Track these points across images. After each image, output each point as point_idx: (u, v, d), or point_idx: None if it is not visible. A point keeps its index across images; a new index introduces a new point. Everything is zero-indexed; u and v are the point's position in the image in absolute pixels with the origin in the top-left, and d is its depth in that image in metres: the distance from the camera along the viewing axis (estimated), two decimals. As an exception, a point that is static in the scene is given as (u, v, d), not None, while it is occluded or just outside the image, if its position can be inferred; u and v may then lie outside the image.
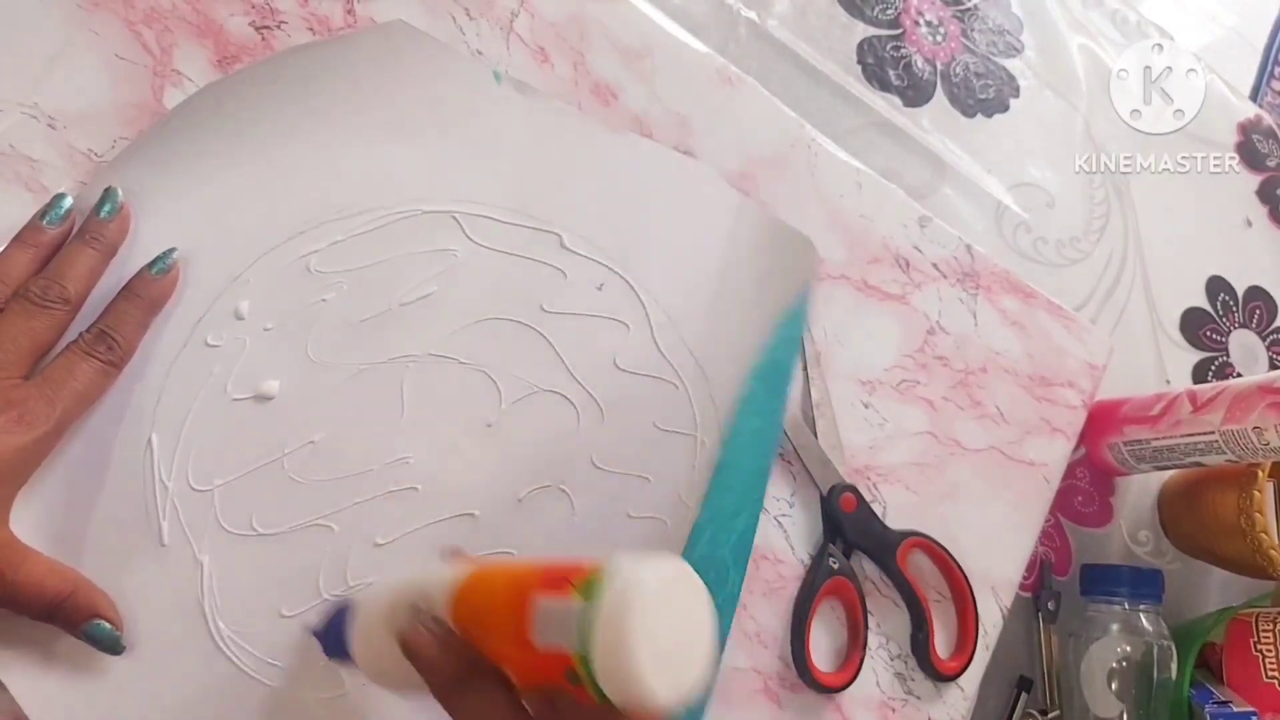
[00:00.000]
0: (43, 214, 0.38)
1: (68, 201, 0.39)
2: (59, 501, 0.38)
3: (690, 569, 0.32)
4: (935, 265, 0.55)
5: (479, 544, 0.43)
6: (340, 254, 0.43)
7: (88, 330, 0.38)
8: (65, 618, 0.36)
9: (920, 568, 0.52)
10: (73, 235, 0.39)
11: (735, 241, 0.50)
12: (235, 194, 0.42)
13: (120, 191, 0.39)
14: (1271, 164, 0.74)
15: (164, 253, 0.40)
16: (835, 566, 0.49)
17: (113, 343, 0.38)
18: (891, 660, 0.50)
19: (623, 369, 0.46)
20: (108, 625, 0.37)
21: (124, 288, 0.39)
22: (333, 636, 0.38)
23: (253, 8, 0.43)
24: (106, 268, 0.39)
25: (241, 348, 0.41)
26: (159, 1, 0.42)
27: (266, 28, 0.43)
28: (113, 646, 0.37)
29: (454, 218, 0.45)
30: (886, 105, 0.63)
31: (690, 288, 0.48)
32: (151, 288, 0.39)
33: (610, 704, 0.30)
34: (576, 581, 0.30)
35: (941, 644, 0.51)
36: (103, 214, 0.39)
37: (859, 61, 0.63)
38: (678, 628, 0.31)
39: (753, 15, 0.60)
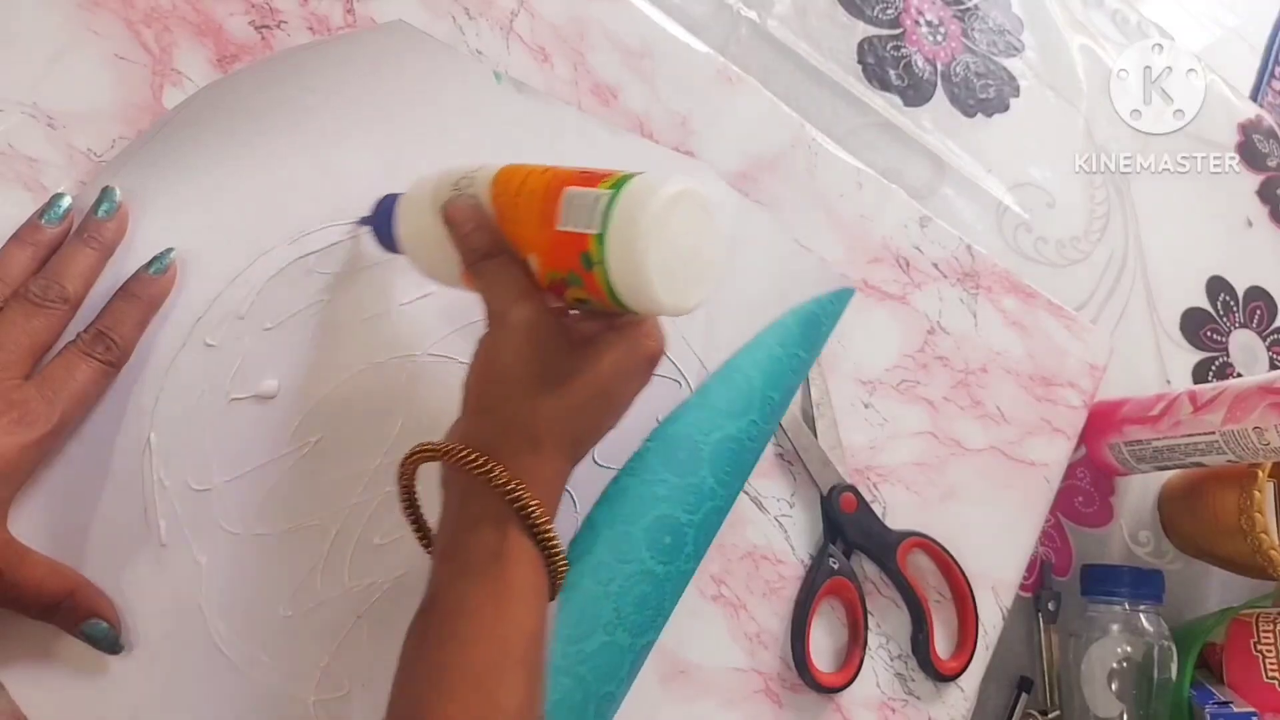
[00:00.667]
0: (41, 213, 0.38)
1: (66, 201, 0.38)
2: (58, 501, 0.38)
3: (709, 195, 0.33)
4: (936, 265, 0.55)
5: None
6: (340, 254, 0.43)
7: (86, 330, 0.38)
8: (64, 617, 0.36)
9: (920, 568, 0.52)
10: (71, 235, 0.39)
11: (736, 242, 0.50)
12: (234, 194, 0.42)
13: (118, 191, 0.39)
14: (1272, 164, 0.74)
15: (161, 252, 0.40)
16: (835, 567, 0.49)
17: (111, 343, 0.38)
18: (891, 660, 0.50)
19: None
20: (106, 625, 0.37)
21: (121, 288, 0.39)
22: (381, 222, 0.40)
23: (253, 7, 0.43)
24: (104, 267, 0.39)
25: (241, 347, 0.41)
26: (159, 1, 0.42)
27: (266, 27, 0.43)
28: (111, 646, 0.37)
29: None
30: (887, 105, 0.63)
31: None
32: (149, 287, 0.39)
33: (612, 290, 0.32)
34: (605, 177, 0.33)
35: (941, 644, 0.51)
36: (100, 213, 0.39)
37: (859, 61, 0.63)
38: (688, 237, 0.33)
39: (753, 15, 0.60)
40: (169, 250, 0.40)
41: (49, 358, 0.37)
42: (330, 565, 0.41)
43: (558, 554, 0.34)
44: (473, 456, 0.33)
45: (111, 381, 0.38)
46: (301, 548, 0.41)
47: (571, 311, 0.36)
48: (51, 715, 0.37)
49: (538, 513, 0.33)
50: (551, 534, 0.34)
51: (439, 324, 0.44)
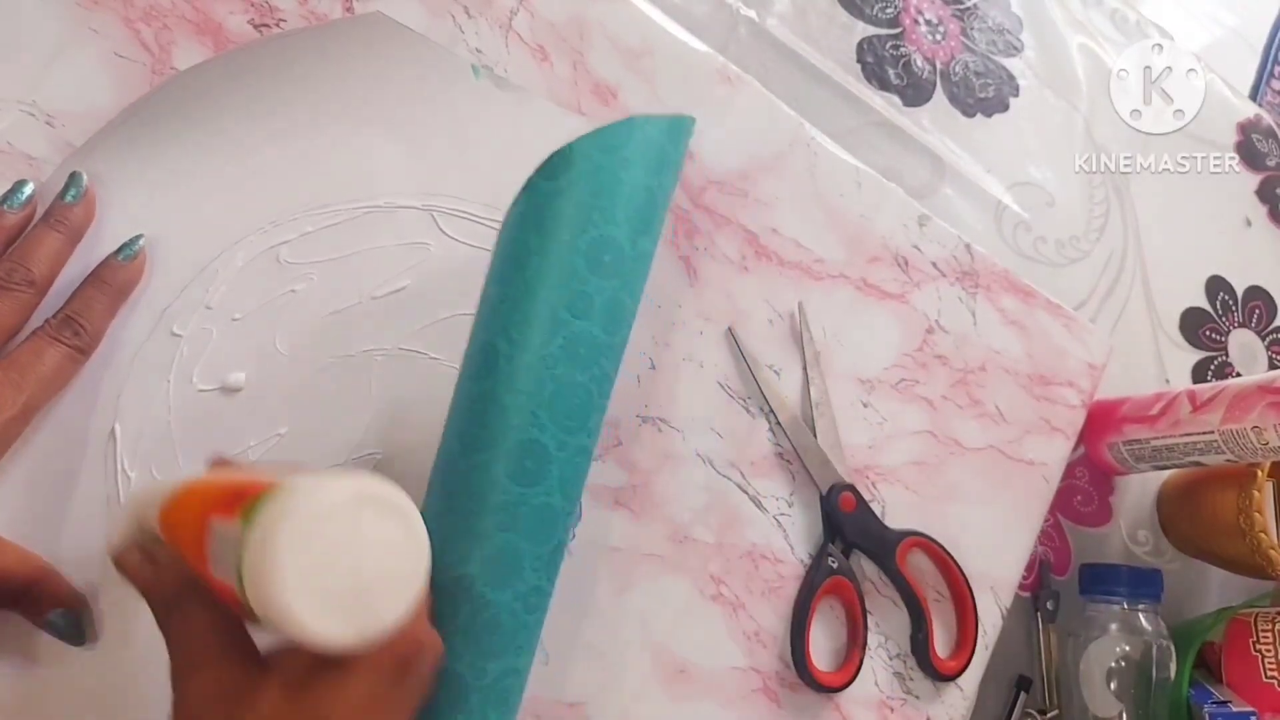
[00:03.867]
0: (3, 199, 0.38)
1: (29, 187, 0.38)
2: (22, 489, 0.37)
3: (391, 490, 0.27)
4: (935, 264, 0.55)
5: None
6: (311, 245, 0.42)
7: (54, 316, 0.38)
8: (30, 606, 0.36)
9: (919, 567, 0.52)
10: (38, 219, 0.39)
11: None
12: (206, 183, 0.41)
13: (85, 176, 0.39)
14: (1271, 164, 0.74)
15: (131, 239, 0.39)
16: (834, 566, 0.49)
17: (79, 328, 0.37)
18: (891, 660, 0.50)
19: None
20: (72, 615, 0.37)
21: (90, 274, 0.39)
22: None
23: (251, 6, 0.43)
24: (72, 252, 0.39)
25: (209, 338, 0.41)
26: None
27: (265, 25, 0.43)
28: (76, 637, 0.37)
29: (428, 211, 0.44)
30: (886, 105, 0.63)
31: None
32: (118, 274, 0.39)
33: (289, 642, 0.26)
34: (246, 501, 0.26)
35: (941, 644, 0.51)
36: (68, 198, 0.39)
37: (859, 61, 0.63)
38: (359, 557, 0.26)
39: (753, 14, 0.60)
40: (138, 237, 0.39)
41: (16, 342, 0.37)
42: None
43: None
44: None
45: (79, 368, 0.38)
46: None
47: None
48: (9, 706, 0.37)
49: None
50: None
51: (409, 318, 0.44)
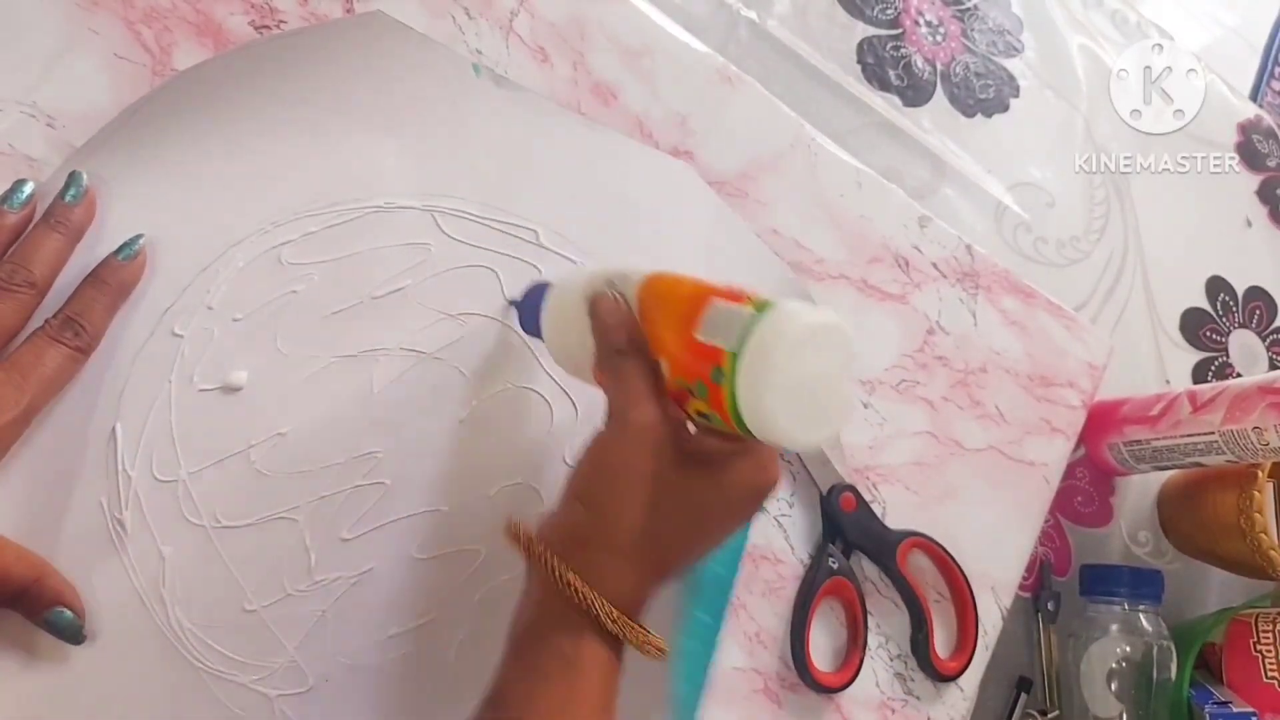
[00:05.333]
0: (3, 199, 0.38)
1: (29, 186, 0.38)
2: (23, 489, 0.37)
3: (843, 321, 0.33)
4: (935, 265, 0.55)
5: (447, 540, 0.43)
6: (312, 246, 0.42)
7: (54, 316, 0.37)
8: (29, 604, 0.36)
9: (920, 568, 0.52)
10: (38, 220, 0.38)
11: (711, 245, 0.49)
12: (206, 183, 0.41)
13: (85, 176, 0.39)
14: (1271, 164, 0.74)
15: (131, 239, 0.39)
16: (835, 566, 0.49)
17: (79, 329, 0.37)
18: (891, 660, 0.50)
19: None
20: (70, 614, 0.37)
21: (90, 274, 0.38)
22: (529, 309, 0.42)
23: (252, 7, 0.43)
24: (72, 252, 0.38)
25: (210, 338, 0.40)
26: (158, 1, 0.42)
27: (266, 27, 0.43)
28: (74, 636, 0.37)
29: (428, 211, 0.44)
30: (886, 105, 0.63)
31: None
32: (118, 274, 0.39)
33: (736, 411, 0.32)
34: (752, 297, 0.33)
35: (941, 644, 0.51)
36: (68, 198, 0.38)
37: (859, 61, 0.63)
38: (823, 371, 0.32)
39: (753, 15, 0.60)
40: (138, 237, 0.39)
41: (16, 343, 0.37)
42: (296, 559, 0.41)
43: (651, 648, 0.34)
44: (553, 561, 0.33)
45: (80, 368, 0.38)
46: (267, 541, 0.40)
47: (690, 424, 0.36)
48: (6, 705, 0.37)
49: (617, 619, 0.33)
50: (639, 634, 0.34)
51: (410, 319, 0.44)
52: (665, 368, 0.35)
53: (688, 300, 0.34)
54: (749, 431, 0.32)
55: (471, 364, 0.44)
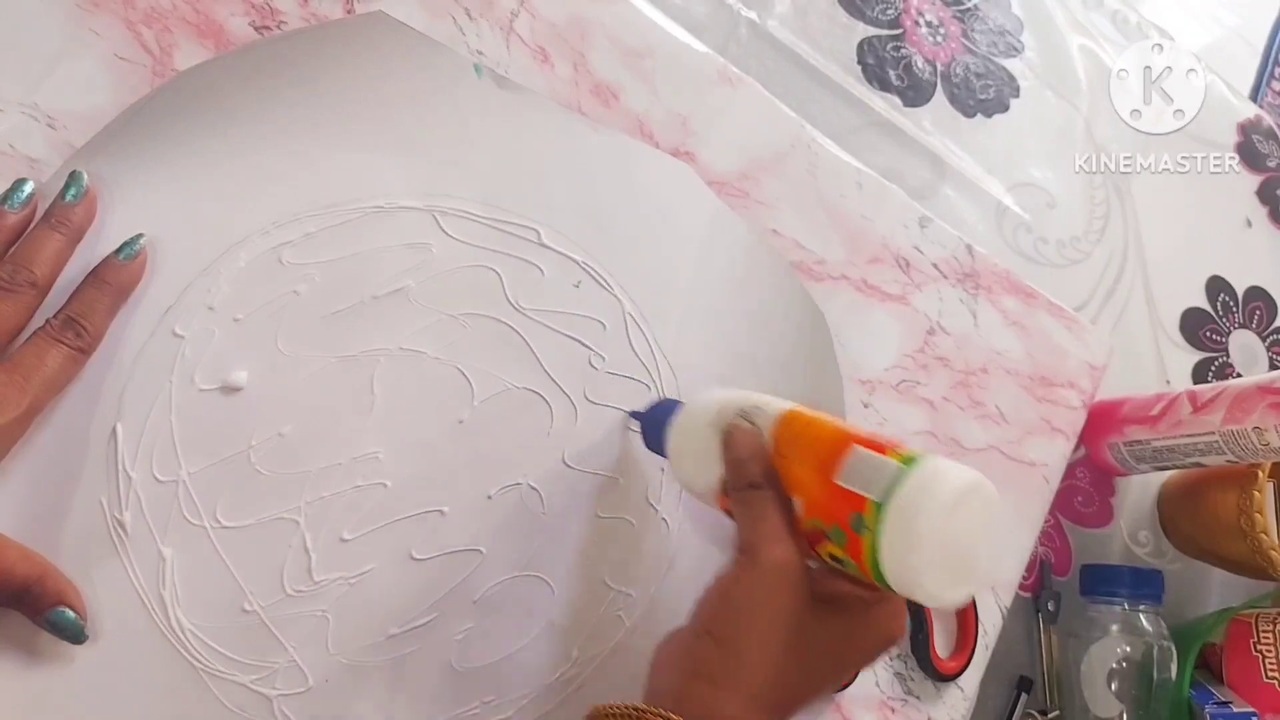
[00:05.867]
0: (3, 199, 0.38)
1: (29, 186, 0.38)
2: (24, 489, 0.37)
3: (990, 486, 0.33)
4: (935, 265, 0.55)
5: (447, 541, 0.43)
6: (313, 246, 0.42)
7: (55, 316, 0.37)
8: (31, 603, 0.36)
9: (920, 568, 0.52)
10: (39, 220, 0.38)
11: (711, 246, 0.50)
12: (207, 183, 0.41)
13: (86, 175, 0.39)
14: (1271, 164, 0.74)
15: (131, 239, 0.39)
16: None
17: (80, 329, 0.37)
18: (891, 660, 0.50)
19: (597, 368, 0.46)
20: (72, 613, 0.37)
21: (91, 274, 0.38)
22: (653, 426, 0.43)
23: (253, 8, 0.43)
24: (73, 252, 0.38)
25: (210, 338, 0.40)
26: (159, 1, 0.42)
27: (267, 28, 0.43)
28: (76, 635, 0.37)
29: (429, 211, 0.44)
30: (886, 105, 0.63)
31: (665, 290, 0.48)
32: (119, 274, 0.39)
33: (877, 563, 0.32)
34: (896, 448, 0.33)
35: (941, 644, 0.51)
36: (68, 198, 0.38)
37: (859, 62, 0.63)
38: (968, 532, 0.32)
39: (753, 15, 0.60)
40: (139, 236, 0.39)
41: (18, 343, 0.37)
42: (296, 559, 0.41)
43: None
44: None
45: (81, 368, 0.38)
46: (268, 541, 0.40)
47: (816, 564, 0.36)
48: (9, 706, 0.37)
49: None
50: None
51: (411, 318, 0.44)
52: (799, 506, 0.35)
53: (829, 443, 0.34)
54: (887, 585, 0.32)
55: (471, 364, 0.44)
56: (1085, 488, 0.63)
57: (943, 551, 0.31)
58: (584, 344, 0.46)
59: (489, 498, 0.44)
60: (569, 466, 0.45)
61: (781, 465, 0.36)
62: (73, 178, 0.39)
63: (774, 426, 0.37)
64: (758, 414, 0.37)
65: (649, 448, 0.44)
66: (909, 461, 0.32)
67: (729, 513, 0.38)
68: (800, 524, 0.35)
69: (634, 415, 0.45)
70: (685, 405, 0.41)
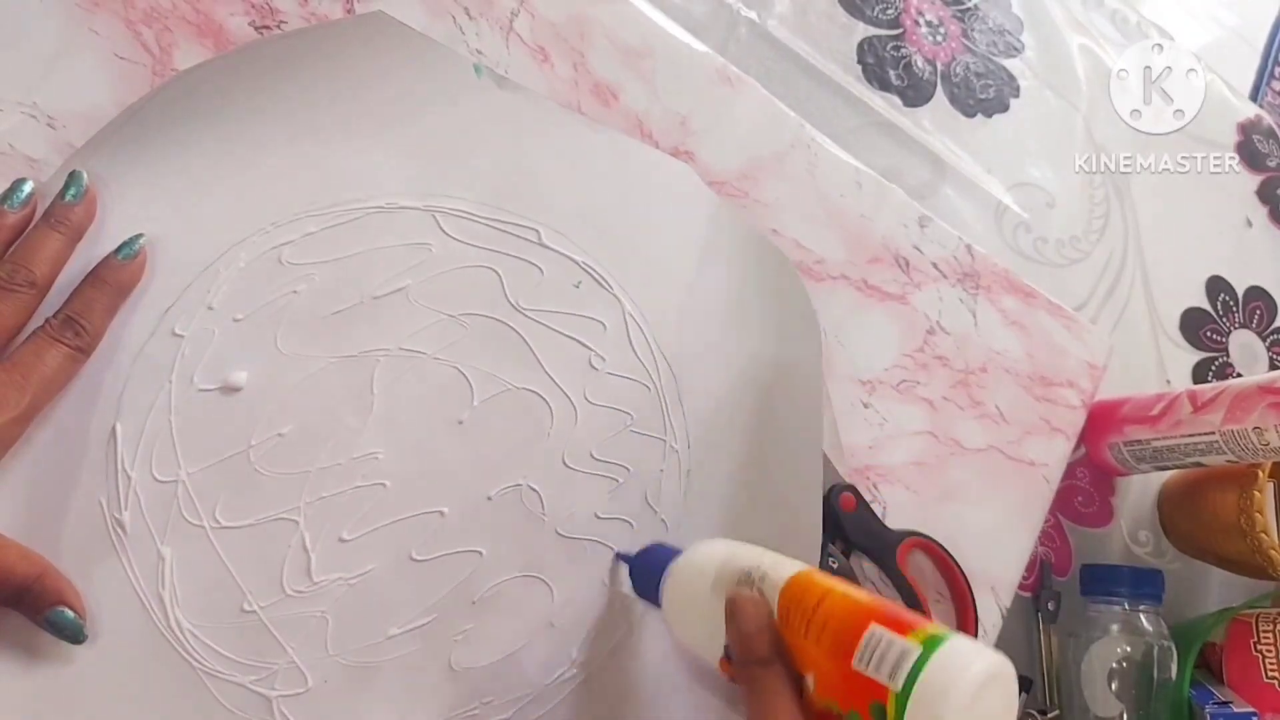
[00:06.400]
0: (3, 198, 0.38)
1: (29, 186, 0.38)
2: (23, 489, 0.37)
3: (1010, 668, 0.33)
4: (935, 265, 0.55)
5: (447, 541, 0.43)
6: (313, 246, 0.42)
7: (54, 316, 0.37)
8: (31, 603, 0.36)
9: (920, 568, 0.52)
10: (38, 219, 0.38)
11: (711, 247, 0.50)
12: (207, 183, 0.41)
13: (85, 175, 0.39)
14: (1271, 164, 0.74)
15: (131, 238, 0.39)
16: (835, 566, 0.49)
17: (80, 329, 0.37)
18: (891, 660, 0.50)
19: (597, 369, 0.46)
20: (71, 613, 0.36)
21: (90, 273, 0.38)
22: (644, 574, 0.41)
23: (253, 7, 0.43)
24: (73, 252, 0.38)
25: (210, 338, 0.40)
26: (159, 1, 0.42)
27: (266, 27, 0.43)
28: (75, 635, 0.37)
29: (429, 211, 0.44)
30: (886, 105, 0.63)
31: (665, 290, 0.48)
32: (118, 273, 0.39)
33: None
34: (914, 625, 0.32)
35: (941, 644, 0.51)
36: (68, 197, 0.38)
37: (859, 61, 0.63)
38: (988, 716, 0.32)
39: (753, 15, 0.60)
40: (138, 236, 0.39)
41: (17, 343, 0.37)
42: (295, 559, 0.41)
43: None
44: None
45: (80, 368, 0.38)
46: (267, 542, 0.40)
47: None
48: (9, 706, 0.36)
49: None
50: None
51: (411, 318, 0.44)
52: (811, 682, 0.34)
53: (841, 619, 0.34)
54: None
55: (471, 365, 0.44)
56: (1085, 487, 0.63)
57: None
58: (584, 344, 0.46)
59: (489, 498, 0.44)
60: (569, 468, 0.45)
61: (790, 637, 0.35)
62: (72, 177, 0.39)
63: (780, 592, 0.36)
64: (762, 579, 0.37)
65: (639, 594, 0.43)
66: (929, 644, 0.32)
67: (731, 677, 0.37)
68: (813, 703, 0.34)
69: (622, 558, 0.44)
70: (682, 560, 0.40)
